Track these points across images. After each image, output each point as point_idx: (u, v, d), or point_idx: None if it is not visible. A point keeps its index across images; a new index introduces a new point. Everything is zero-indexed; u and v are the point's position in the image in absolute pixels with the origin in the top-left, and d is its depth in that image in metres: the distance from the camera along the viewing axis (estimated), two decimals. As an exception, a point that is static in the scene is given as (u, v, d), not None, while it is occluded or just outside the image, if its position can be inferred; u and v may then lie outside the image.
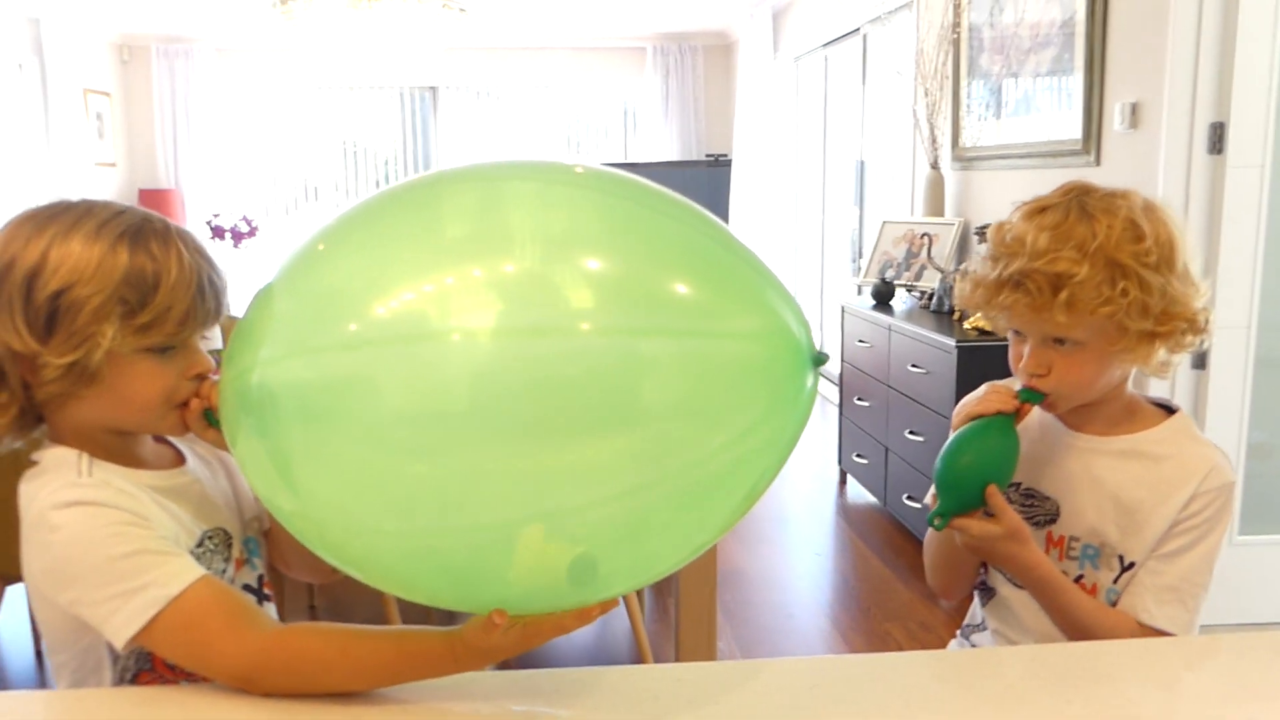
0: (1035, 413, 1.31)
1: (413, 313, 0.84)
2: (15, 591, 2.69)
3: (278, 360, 0.89)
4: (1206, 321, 1.22)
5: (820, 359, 0.90)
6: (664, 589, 3.24)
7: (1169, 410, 1.32)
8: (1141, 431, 1.29)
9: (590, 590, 0.92)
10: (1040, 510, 1.33)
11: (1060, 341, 1.22)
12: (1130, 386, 1.32)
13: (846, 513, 4.26)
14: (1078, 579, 1.30)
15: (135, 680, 1.07)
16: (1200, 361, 2.94)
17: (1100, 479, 1.29)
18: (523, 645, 0.97)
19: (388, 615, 2.54)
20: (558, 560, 0.87)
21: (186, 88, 7.60)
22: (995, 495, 1.23)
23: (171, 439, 1.16)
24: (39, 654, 2.98)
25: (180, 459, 1.16)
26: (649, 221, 0.90)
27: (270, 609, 1.21)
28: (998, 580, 1.38)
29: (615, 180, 0.94)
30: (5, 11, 6.28)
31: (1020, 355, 1.26)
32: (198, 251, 1.05)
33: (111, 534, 0.98)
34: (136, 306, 0.99)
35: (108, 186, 7.22)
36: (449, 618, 0.98)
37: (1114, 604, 1.28)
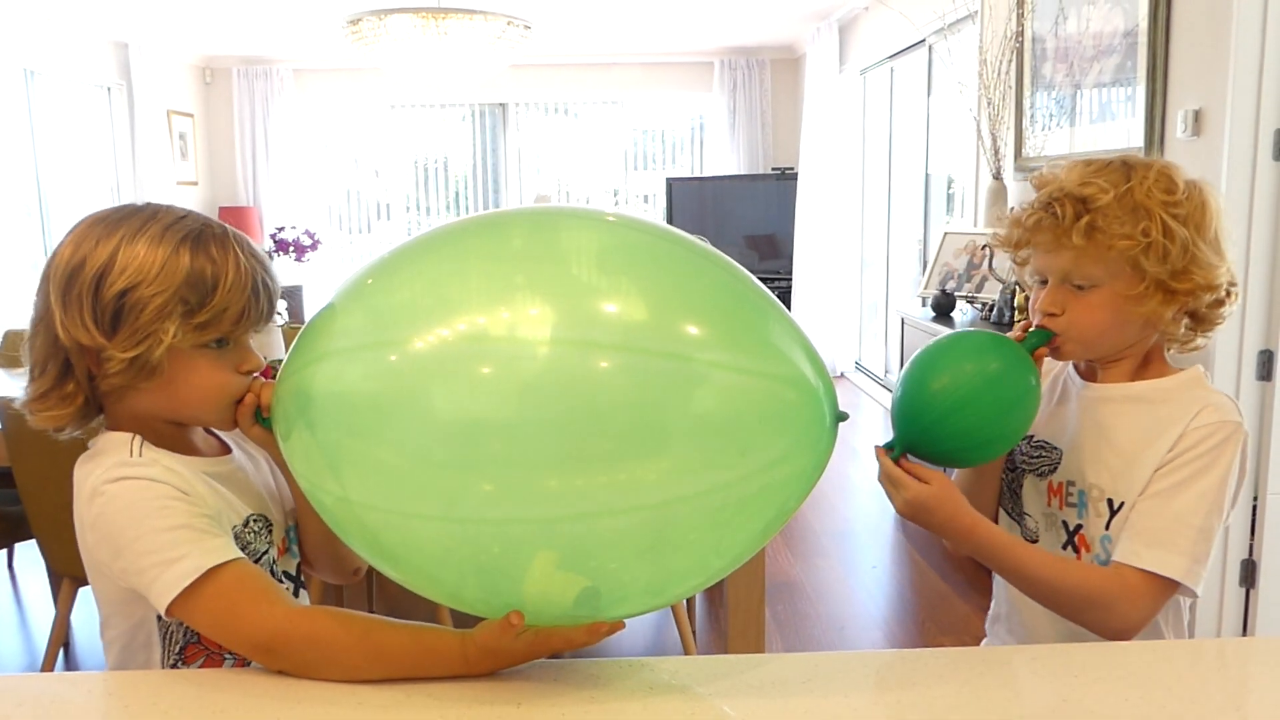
0: (1054, 369, 1.34)
1: (468, 326, 0.92)
2: (86, 593, 2.81)
3: (344, 353, 0.97)
4: (1229, 293, 1.21)
5: (842, 416, 1.03)
6: (715, 598, 3.25)
7: None
8: (1149, 380, 1.27)
9: (603, 609, 0.97)
10: (1045, 460, 1.32)
11: (1078, 285, 1.22)
12: (1160, 354, 1.30)
13: (905, 527, 4.22)
14: (1077, 528, 1.28)
15: (183, 654, 1.13)
16: (1266, 372, 2.87)
17: (1101, 424, 1.28)
18: (531, 653, 1.02)
19: (439, 618, 2.59)
20: (566, 588, 0.94)
21: (265, 108, 7.85)
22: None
23: (218, 432, 1.23)
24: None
25: (227, 449, 1.22)
26: (705, 269, 1.00)
27: (305, 597, 1.27)
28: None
29: (673, 233, 1.03)
30: (96, 36, 6.55)
31: (1039, 300, 1.27)
32: (253, 255, 1.12)
33: (159, 507, 1.04)
34: (196, 306, 1.06)
35: (189, 205, 7.43)
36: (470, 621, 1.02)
37: (1104, 562, 1.24)
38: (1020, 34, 4.18)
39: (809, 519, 4.24)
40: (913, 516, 1.21)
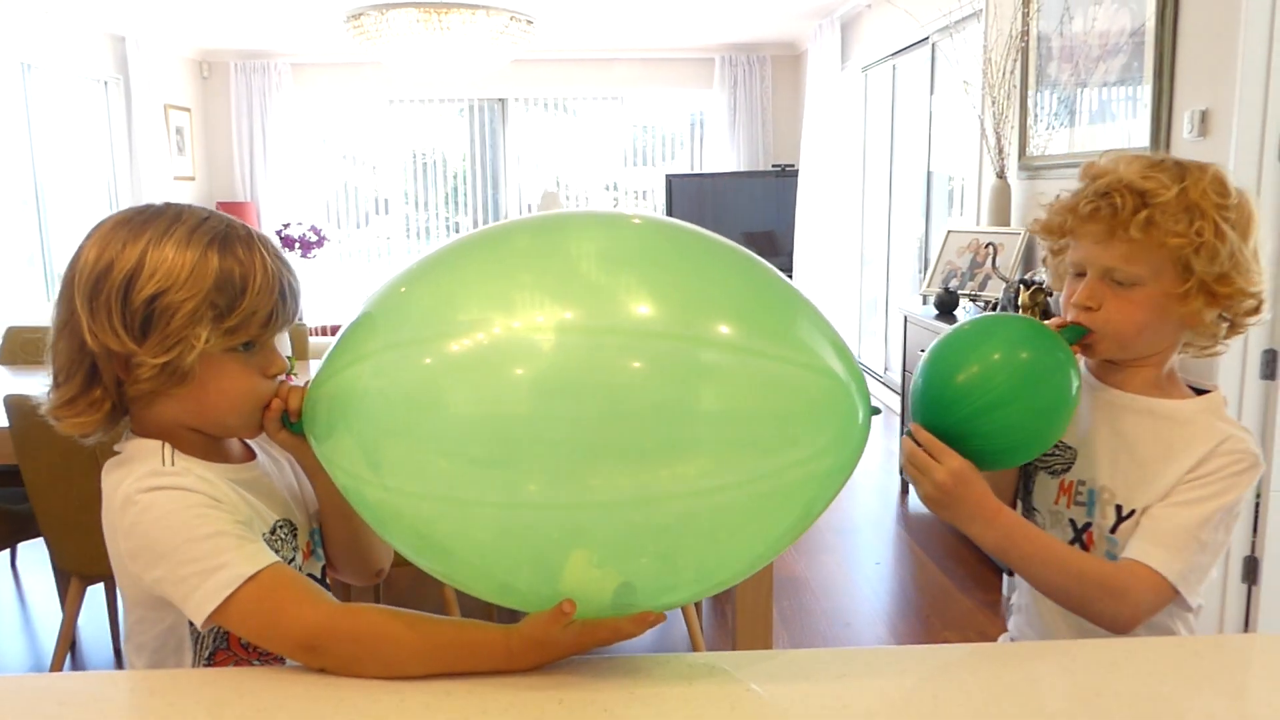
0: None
1: (522, 319, 0.94)
2: (95, 591, 2.81)
3: (388, 349, 0.98)
4: (1260, 304, 1.23)
5: (876, 410, 1.05)
6: (721, 595, 3.25)
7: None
8: (1173, 400, 1.28)
9: (652, 596, 0.99)
10: (1060, 459, 1.33)
11: (1119, 282, 1.22)
12: (1175, 368, 1.31)
13: (908, 522, 4.23)
14: (1085, 526, 1.29)
15: (212, 659, 1.13)
16: (1269, 371, 2.88)
17: (1120, 431, 1.29)
18: (579, 645, 1.02)
19: (449, 613, 2.59)
20: (603, 585, 0.96)
21: (263, 102, 7.82)
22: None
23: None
24: (118, 652, 3.09)
25: (251, 454, 1.22)
26: (747, 267, 1.03)
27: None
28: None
29: (708, 235, 1.06)
30: (92, 30, 6.53)
31: (1074, 295, 1.26)
32: (277, 256, 1.11)
33: (194, 516, 1.03)
34: (225, 310, 1.05)
35: (186, 200, 7.41)
36: (511, 618, 1.02)
37: (1114, 555, 1.26)
38: (1025, 33, 4.18)
39: (811, 516, 4.25)
40: (944, 498, 1.19)
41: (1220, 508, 1.21)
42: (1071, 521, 1.31)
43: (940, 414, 1.19)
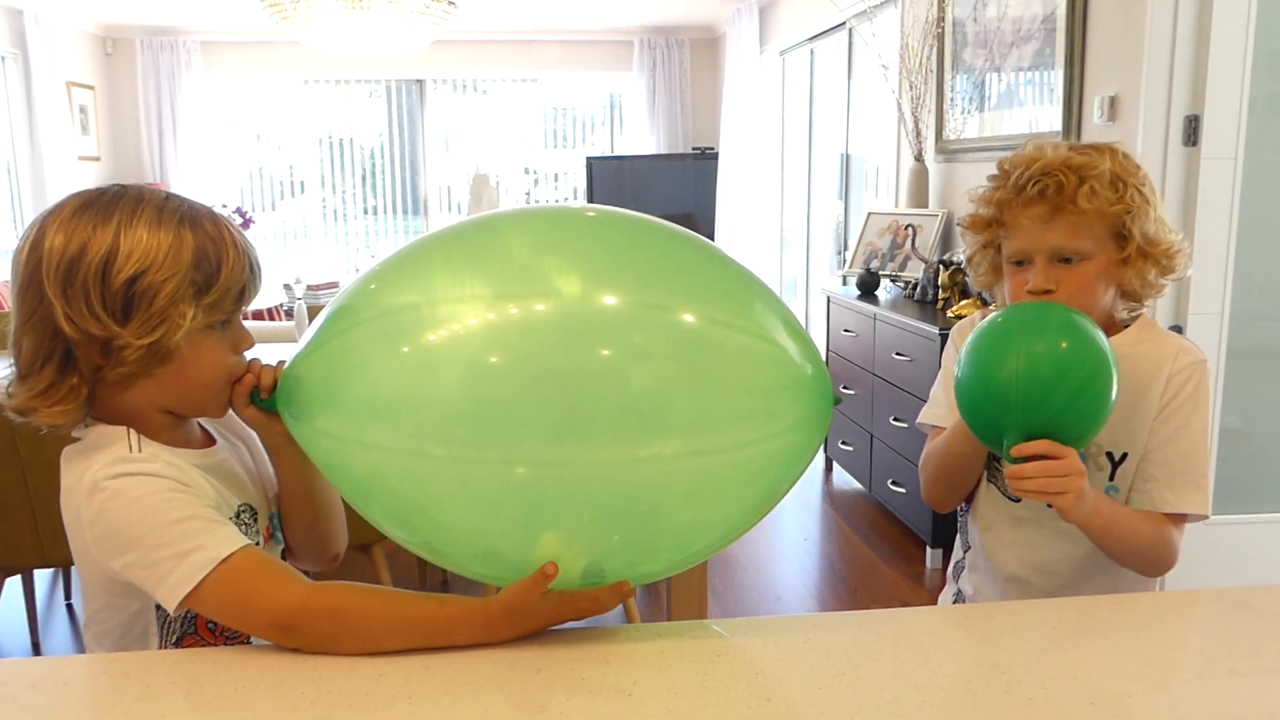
0: None
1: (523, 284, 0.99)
2: (12, 584, 2.73)
3: (380, 317, 1.01)
4: (1186, 255, 1.34)
5: (837, 399, 1.10)
6: (655, 573, 3.30)
7: None
8: (1115, 335, 1.36)
9: (633, 564, 1.03)
10: None
11: (1066, 261, 1.30)
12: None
13: (833, 499, 4.34)
14: None
15: (179, 643, 1.13)
16: (1176, 348, 3.02)
17: None
18: (557, 615, 1.04)
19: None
20: (572, 565, 1.00)
21: (171, 81, 7.59)
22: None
23: (201, 421, 1.22)
24: (35, 645, 3.02)
25: (211, 439, 1.21)
26: (715, 257, 1.11)
27: None
28: (975, 526, 1.46)
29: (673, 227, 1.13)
30: (-9, 4, 6.27)
31: (1023, 283, 1.33)
32: (239, 231, 1.12)
33: (164, 501, 1.03)
34: (204, 286, 1.06)
35: (91, 180, 7.20)
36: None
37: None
38: (941, 19, 4.29)
39: (738, 493, 4.32)
40: (1084, 499, 1.21)
41: (1200, 423, 1.33)
42: None
43: (1030, 415, 1.17)
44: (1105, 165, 1.28)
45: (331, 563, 1.33)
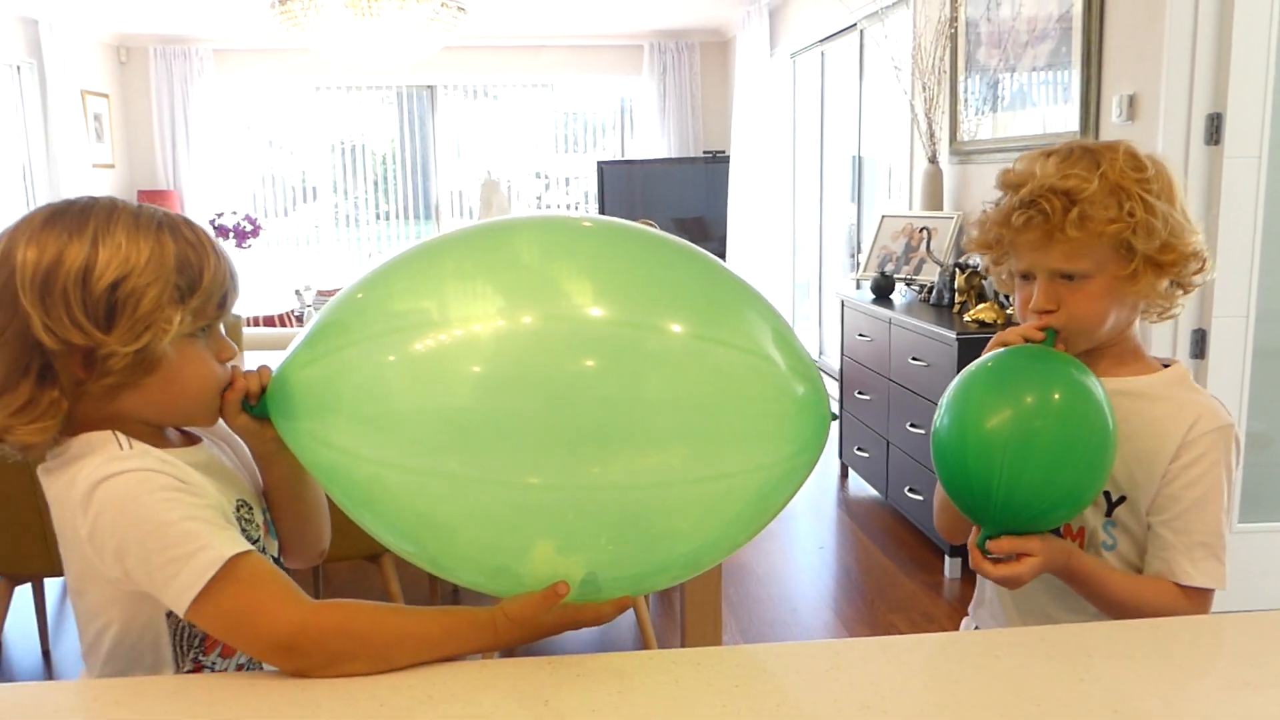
0: None
1: (519, 302, 0.98)
2: (22, 593, 2.71)
3: (383, 334, 0.99)
4: (1204, 262, 1.25)
5: (833, 416, 1.11)
6: (669, 582, 3.26)
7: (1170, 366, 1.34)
8: (1141, 376, 1.30)
9: (641, 579, 1.03)
10: None
11: (1068, 278, 1.24)
12: (1138, 339, 1.34)
13: (849, 506, 4.28)
14: (1078, 528, 1.30)
15: (203, 644, 1.09)
16: (1199, 350, 2.97)
17: None
18: (560, 626, 1.03)
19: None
20: (570, 574, 0.99)
21: (185, 89, 7.60)
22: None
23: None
24: (45, 653, 3.00)
25: (192, 438, 1.18)
26: (715, 271, 1.08)
27: None
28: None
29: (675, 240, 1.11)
30: (4, 13, 6.28)
31: (1028, 299, 1.28)
32: (216, 241, 1.10)
33: (163, 499, 0.99)
34: (188, 291, 1.03)
35: (106, 188, 7.22)
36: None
37: (1110, 548, 1.29)
38: (954, 19, 4.24)
39: (753, 500, 4.27)
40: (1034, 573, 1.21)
41: (1217, 499, 1.25)
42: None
43: (1009, 519, 1.17)
44: (1096, 182, 1.19)
45: (318, 559, 1.31)
